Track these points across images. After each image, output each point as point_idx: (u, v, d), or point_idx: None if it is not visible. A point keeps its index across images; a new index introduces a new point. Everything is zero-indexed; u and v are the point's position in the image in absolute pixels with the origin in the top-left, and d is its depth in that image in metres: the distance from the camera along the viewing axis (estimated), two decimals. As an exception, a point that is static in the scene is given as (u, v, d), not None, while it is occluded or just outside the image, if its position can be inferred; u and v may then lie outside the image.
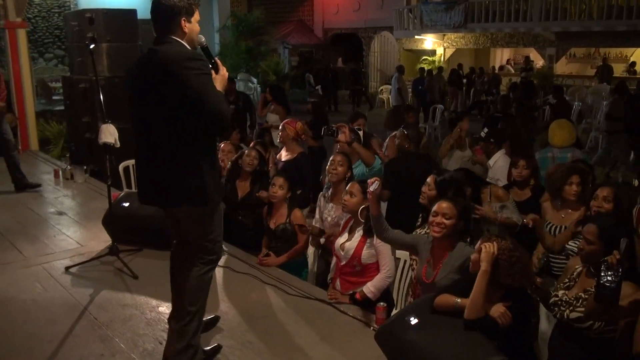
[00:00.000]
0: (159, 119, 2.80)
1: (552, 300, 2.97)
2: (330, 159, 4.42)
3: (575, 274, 3.02)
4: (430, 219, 3.22)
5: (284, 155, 5.61)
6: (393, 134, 5.92)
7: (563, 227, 3.87)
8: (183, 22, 2.86)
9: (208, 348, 3.26)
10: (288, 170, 5.15)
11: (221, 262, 4.49)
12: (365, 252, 3.67)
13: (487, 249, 2.72)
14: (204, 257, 3.00)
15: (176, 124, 2.77)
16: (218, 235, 3.05)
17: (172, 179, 2.83)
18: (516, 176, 4.49)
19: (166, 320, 3.19)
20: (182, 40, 2.87)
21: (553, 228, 3.94)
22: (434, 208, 3.22)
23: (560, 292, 2.96)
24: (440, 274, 3.16)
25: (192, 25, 2.92)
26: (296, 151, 5.59)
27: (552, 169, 4.12)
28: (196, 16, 2.94)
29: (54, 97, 13.72)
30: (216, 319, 3.60)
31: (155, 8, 2.85)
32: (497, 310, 2.66)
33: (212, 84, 2.80)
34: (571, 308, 2.85)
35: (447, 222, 3.17)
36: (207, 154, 2.90)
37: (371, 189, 3.27)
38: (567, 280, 3.04)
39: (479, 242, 2.84)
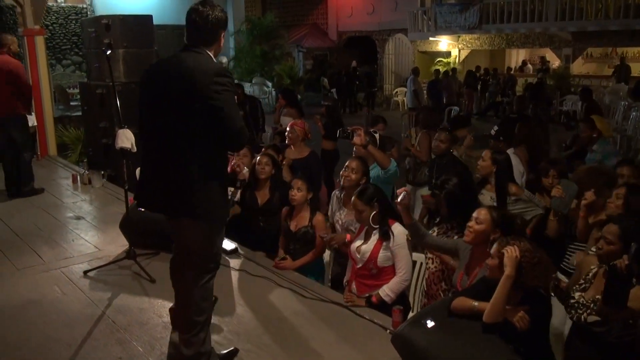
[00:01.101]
0: (178, 128, 2.79)
1: (567, 302, 2.94)
2: (346, 164, 4.41)
3: (590, 274, 2.98)
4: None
5: (292, 154, 5.64)
6: (425, 130, 6.12)
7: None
8: (222, 34, 2.93)
9: (224, 352, 3.28)
10: (298, 169, 5.17)
11: (237, 265, 4.54)
12: (382, 255, 3.66)
13: (510, 253, 2.67)
14: (205, 266, 2.99)
15: (195, 136, 2.78)
16: (219, 244, 3.06)
17: (183, 191, 2.83)
18: (547, 186, 4.48)
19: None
20: (211, 53, 2.90)
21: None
22: (474, 213, 3.23)
23: (577, 294, 2.92)
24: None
25: (223, 39, 2.98)
26: (305, 151, 5.63)
27: (585, 180, 4.08)
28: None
29: (72, 103, 13.89)
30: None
31: (202, 20, 2.84)
32: (515, 313, 2.64)
33: (235, 102, 2.84)
34: (589, 311, 2.81)
35: (476, 226, 3.16)
36: (218, 171, 2.91)
37: (399, 199, 3.27)
38: (582, 281, 3.00)
39: (494, 247, 2.81)
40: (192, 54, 2.83)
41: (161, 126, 2.86)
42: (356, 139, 4.69)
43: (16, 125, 6.69)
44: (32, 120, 7.69)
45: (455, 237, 3.64)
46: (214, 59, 2.91)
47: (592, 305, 2.81)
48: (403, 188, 3.41)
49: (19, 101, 6.64)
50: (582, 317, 2.83)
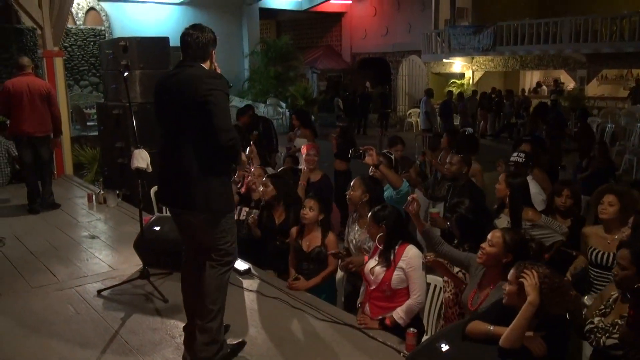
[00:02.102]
0: (180, 130, 3.18)
1: (587, 327, 2.89)
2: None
3: (611, 300, 2.94)
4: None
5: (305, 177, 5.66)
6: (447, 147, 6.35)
7: (609, 253, 3.77)
8: (212, 51, 3.33)
9: (234, 342, 3.51)
10: (312, 192, 5.18)
11: (250, 286, 4.52)
12: (395, 277, 3.62)
13: (530, 280, 2.61)
14: (221, 259, 3.29)
15: (194, 136, 3.12)
16: (232, 238, 3.34)
17: (185, 185, 3.18)
18: (560, 205, 4.43)
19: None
20: (205, 66, 3.30)
21: (599, 254, 3.83)
22: (489, 234, 3.21)
23: (596, 319, 2.88)
24: (484, 304, 3.10)
25: (215, 55, 3.38)
26: (318, 174, 5.66)
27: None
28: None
29: (89, 123, 14.05)
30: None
31: (194, 41, 3.24)
32: (532, 339, 2.59)
33: (226, 102, 3.15)
34: (607, 335, 2.77)
35: (487, 249, 3.13)
36: (218, 166, 3.20)
37: (406, 205, 3.29)
38: (602, 307, 2.96)
39: (512, 272, 2.75)
40: (187, 67, 3.24)
41: (167, 130, 3.28)
42: (368, 159, 4.75)
43: (47, 144, 7.02)
44: None
45: None
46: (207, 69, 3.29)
47: (610, 328, 2.76)
48: (412, 195, 3.40)
49: (54, 121, 6.97)
50: (601, 341, 2.78)
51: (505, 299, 2.76)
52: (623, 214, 3.85)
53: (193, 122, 3.11)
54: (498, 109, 18.27)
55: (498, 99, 18.68)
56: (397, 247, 3.66)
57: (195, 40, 3.24)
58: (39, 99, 6.73)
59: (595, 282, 3.85)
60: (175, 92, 3.18)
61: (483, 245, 3.18)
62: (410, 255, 3.61)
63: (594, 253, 3.85)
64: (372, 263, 3.79)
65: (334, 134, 7.94)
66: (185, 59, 3.27)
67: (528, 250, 3.19)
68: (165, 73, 3.45)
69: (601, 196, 3.91)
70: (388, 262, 3.64)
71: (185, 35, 3.27)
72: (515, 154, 5.47)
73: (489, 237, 3.19)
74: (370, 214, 3.81)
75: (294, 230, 4.55)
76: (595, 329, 2.83)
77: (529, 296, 2.60)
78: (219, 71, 3.34)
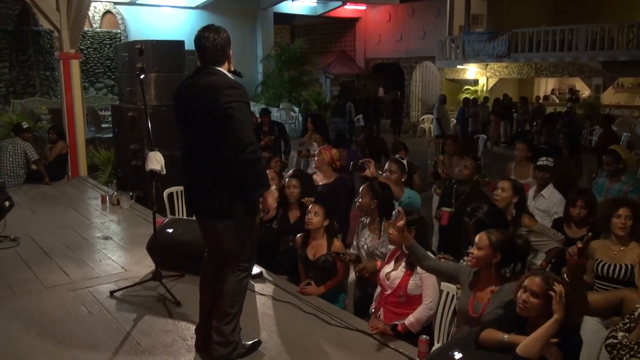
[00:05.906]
0: (200, 139, 3.19)
1: (609, 341, 2.83)
2: None
3: (636, 314, 2.87)
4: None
5: (319, 179, 5.66)
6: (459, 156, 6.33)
7: (614, 265, 3.73)
8: (230, 52, 3.28)
9: (249, 343, 3.54)
10: (324, 195, 5.19)
11: (263, 290, 4.52)
12: (412, 283, 3.60)
13: (560, 298, 2.58)
14: (240, 265, 3.33)
15: (213, 145, 3.11)
16: (251, 246, 3.39)
17: (209, 195, 3.22)
18: (575, 216, 4.41)
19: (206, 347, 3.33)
20: (224, 69, 3.25)
21: (604, 266, 3.79)
22: (475, 238, 3.21)
23: (620, 334, 2.79)
24: (488, 309, 3.08)
25: (231, 55, 3.33)
26: (333, 177, 5.66)
27: (603, 200, 4.04)
28: None
29: (103, 125, 14.16)
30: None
31: (211, 44, 3.18)
32: (548, 347, 2.56)
33: (246, 113, 3.10)
34: (632, 353, 2.69)
35: (476, 252, 3.15)
36: (237, 176, 3.14)
37: (393, 219, 3.31)
38: (627, 320, 2.88)
39: (536, 282, 2.68)
40: (206, 75, 3.18)
41: (187, 138, 3.30)
42: (367, 172, 4.85)
43: None
44: None
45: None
46: (227, 74, 3.23)
47: (636, 347, 2.69)
48: (397, 208, 3.38)
49: None
50: (624, 359, 2.71)
51: (522, 310, 2.71)
52: (635, 225, 3.81)
53: (213, 133, 3.09)
54: (511, 116, 18.18)
55: (508, 105, 18.59)
56: None
57: (213, 43, 3.17)
58: None
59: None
60: (195, 101, 3.15)
61: (472, 249, 3.20)
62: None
63: (600, 265, 3.80)
64: (387, 268, 3.77)
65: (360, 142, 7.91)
66: (204, 64, 3.22)
67: (516, 248, 3.18)
68: (184, 79, 3.39)
69: (616, 209, 3.84)
70: (412, 266, 3.61)
71: (201, 39, 3.19)
72: (544, 158, 5.39)
73: (476, 239, 3.19)
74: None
75: (299, 238, 4.52)
76: (619, 345, 2.76)
77: (557, 313, 2.57)
78: (232, 69, 3.30)
